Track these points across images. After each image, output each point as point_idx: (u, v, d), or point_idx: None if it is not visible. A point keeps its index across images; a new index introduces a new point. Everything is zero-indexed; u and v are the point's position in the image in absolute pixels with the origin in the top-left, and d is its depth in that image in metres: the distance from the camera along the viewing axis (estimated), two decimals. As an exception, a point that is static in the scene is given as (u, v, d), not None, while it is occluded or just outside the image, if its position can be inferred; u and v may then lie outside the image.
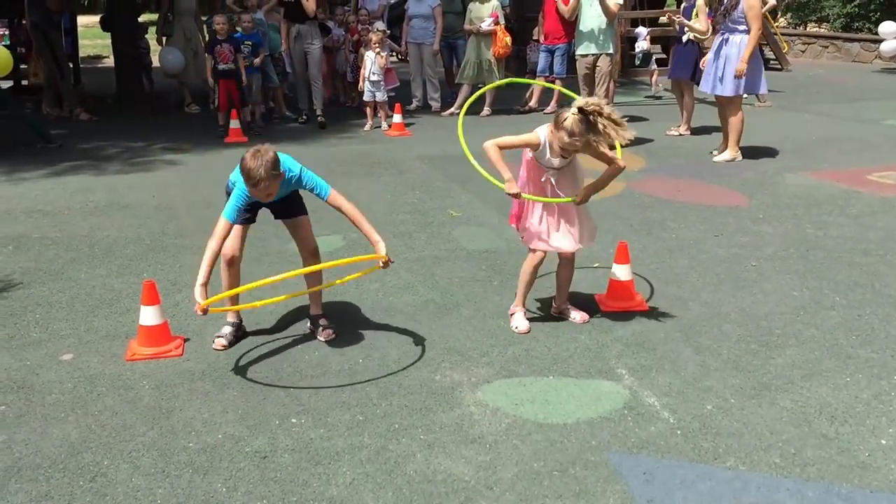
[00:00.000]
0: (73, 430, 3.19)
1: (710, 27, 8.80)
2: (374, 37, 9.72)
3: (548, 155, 3.89)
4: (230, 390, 3.51)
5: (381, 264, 3.66)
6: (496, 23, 10.18)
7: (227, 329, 3.99)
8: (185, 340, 3.98)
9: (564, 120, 3.72)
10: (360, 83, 9.93)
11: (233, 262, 3.94)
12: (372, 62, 9.69)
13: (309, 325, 4.09)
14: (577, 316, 4.18)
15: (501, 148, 3.89)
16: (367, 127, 9.87)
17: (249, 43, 9.57)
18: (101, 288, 4.72)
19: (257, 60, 9.65)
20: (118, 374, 3.66)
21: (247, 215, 3.84)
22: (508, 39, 10.17)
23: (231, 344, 3.93)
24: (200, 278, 3.53)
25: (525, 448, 3.04)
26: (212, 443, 3.10)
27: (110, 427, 3.21)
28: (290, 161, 3.74)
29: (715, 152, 8.00)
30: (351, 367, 3.72)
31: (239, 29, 9.69)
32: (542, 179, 3.98)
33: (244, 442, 3.10)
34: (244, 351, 3.89)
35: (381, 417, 3.27)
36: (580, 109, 3.68)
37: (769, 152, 8.11)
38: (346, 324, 4.16)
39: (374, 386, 3.53)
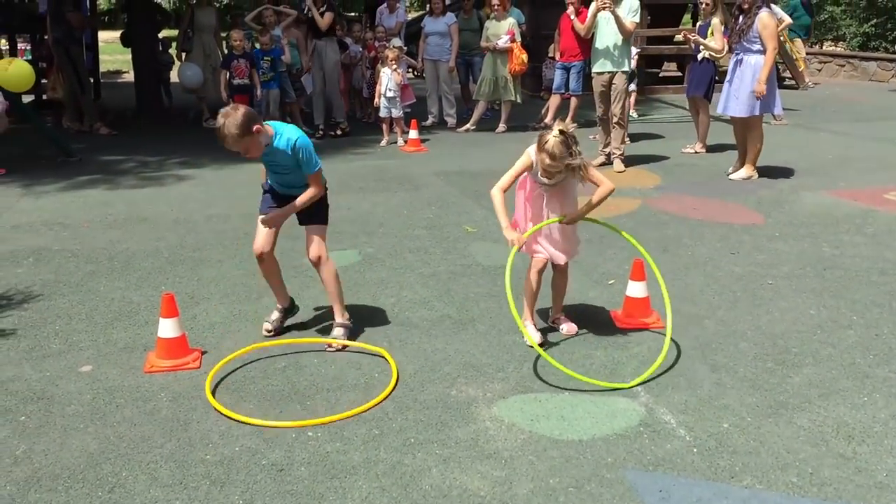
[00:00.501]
0: (92, 441, 3.22)
1: (726, 45, 8.81)
2: (390, 53, 9.81)
3: (538, 173, 3.91)
4: (247, 403, 3.53)
5: None
6: (512, 40, 10.24)
7: (276, 315, 4.22)
8: (203, 353, 4.01)
9: (546, 142, 3.72)
10: (376, 99, 10.01)
11: (262, 259, 4.11)
12: (388, 78, 9.76)
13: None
14: (564, 327, 4.25)
15: (504, 188, 3.96)
16: (383, 142, 9.93)
17: (269, 59, 9.65)
18: (120, 300, 4.76)
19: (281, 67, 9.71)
20: (136, 386, 3.69)
21: (273, 204, 4.10)
22: (524, 57, 10.23)
23: (277, 330, 4.17)
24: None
25: (541, 464, 3.04)
26: (229, 455, 3.12)
27: (129, 438, 3.24)
28: (291, 129, 3.90)
29: (731, 170, 7.99)
30: (367, 381, 3.73)
31: (257, 46, 9.79)
32: (536, 193, 4.01)
33: (261, 454, 3.12)
34: (261, 364, 3.92)
35: (396, 432, 3.28)
36: (561, 132, 3.70)
37: (785, 170, 8.10)
38: (362, 338, 4.18)
39: (389, 400, 3.54)
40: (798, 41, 15.09)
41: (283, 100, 10.36)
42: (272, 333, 4.19)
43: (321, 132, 10.40)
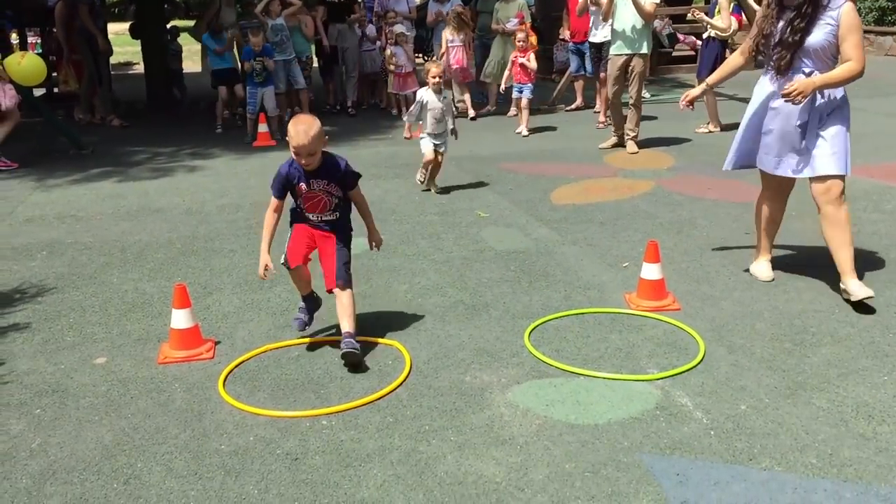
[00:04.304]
0: (107, 432, 3.23)
1: (734, 23, 8.68)
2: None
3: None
4: (261, 392, 3.52)
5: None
6: (522, 22, 10.15)
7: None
8: (216, 343, 4.01)
9: None
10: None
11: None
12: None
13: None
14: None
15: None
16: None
17: (261, 59, 9.47)
18: (133, 292, 4.77)
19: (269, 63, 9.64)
20: (150, 378, 3.69)
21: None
22: (534, 39, 10.15)
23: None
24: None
25: (556, 449, 3.02)
26: (243, 445, 3.11)
27: (143, 430, 3.24)
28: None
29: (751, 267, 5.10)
30: (381, 368, 3.72)
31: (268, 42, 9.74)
32: None
33: (275, 444, 3.11)
34: (274, 353, 3.91)
35: (410, 419, 3.27)
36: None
37: (801, 148, 7.99)
38: (375, 325, 4.16)
39: (403, 387, 3.52)
40: None
41: (291, 87, 10.31)
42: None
43: (351, 109, 11.01)
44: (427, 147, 6.70)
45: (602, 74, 9.51)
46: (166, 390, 3.57)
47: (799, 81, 4.06)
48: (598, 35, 9.27)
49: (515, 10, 10.24)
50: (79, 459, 3.04)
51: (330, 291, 3.86)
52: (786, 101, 4.10)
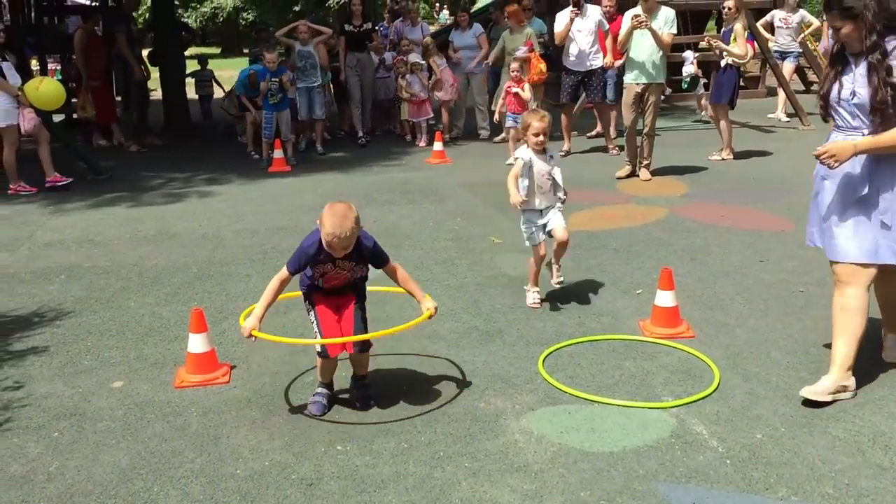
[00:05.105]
0: (124, 456, 3.25)
1: (750, 51, 8.71)
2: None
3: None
4: (276, 417, 3.54)
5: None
6: (530, 50, 10.20)
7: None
8: (232, 368, 4.03)
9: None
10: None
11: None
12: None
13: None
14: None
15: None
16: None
17: (276, 79, 9.59)
18: (150, 316, 4.81)
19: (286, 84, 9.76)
20: (167, 401, 3.72)
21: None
22: (543, 66, 10.06)
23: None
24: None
25: (571, 477, 3.02)
26: (259, 470, 3.13)
27: (160, 454, 3.26)
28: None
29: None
30: (395, 394, 3.73)
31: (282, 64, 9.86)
32: None
33: (290, 469, 3.13)
34: (290, 378, 3.93)
35: (425, 445, 3.28)
36: None
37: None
38: (389, 351, 4.18)
39: (418, 413, 3.53)
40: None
41: (311, 117, 10.34)
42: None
43: (363, 139, 10.86)
44: (532, 236, 4.77)
45: (594, 103, 9.70)
46: (182, 414, 3.59)
47: (835, 143, 3.48)
48: (594, 62, 9.44)
49: (524, 39, 10.30)
50: (96, 483, 3.06)
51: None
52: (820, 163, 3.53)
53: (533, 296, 4.81)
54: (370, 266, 3.64)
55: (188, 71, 13.70)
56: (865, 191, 3.48)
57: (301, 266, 3.50)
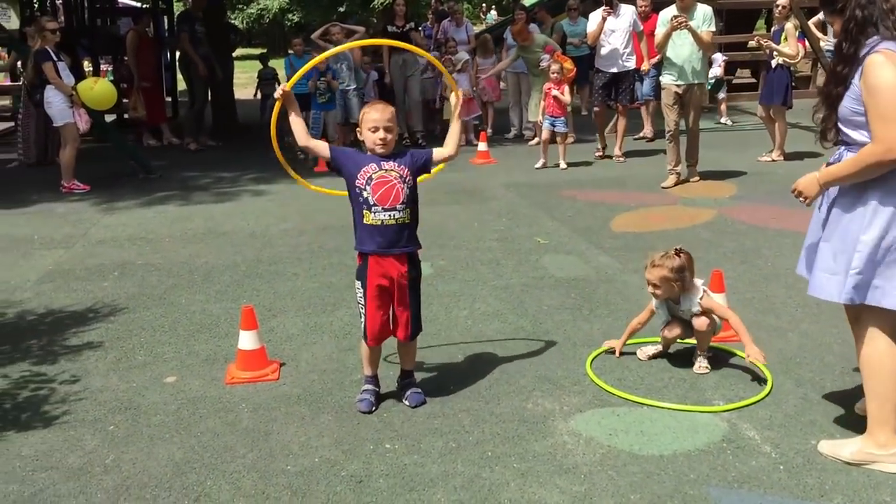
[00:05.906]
0: (178, 450, 3.31)
1: (801, 50, 8.56)
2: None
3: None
4: (325, 414, 3.57)
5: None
6: (553, 53, 10.11)
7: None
8: (281, 365, 4.08)
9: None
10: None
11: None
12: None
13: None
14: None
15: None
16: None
17: (325, 79, 9.68)
18: (201, 313, 4.89)
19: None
20: (218, 397, 3.77)
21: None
22: (569, 63, 9.91)
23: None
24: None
25: (621, 479, 3.00)
26: (309, 466, 3.16)
27: (212, 448, 3.31)
28: None
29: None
30: (443, 393, 3.74)
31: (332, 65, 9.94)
32: None
33: (340, 466, 3.15)
34: (337, 376, 3.96)
35: (473, 445, 3.28)
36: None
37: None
38: (436, 351, 4.20)
39: (466, 413, 3.54)
40: None
41: (348, 121, 10.39)
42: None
43: (407, 140, 10.81)
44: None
45: (620, 106, 9.53)
46: (234, 410, 3.64)
47: (802, 178, 3.21)
48: (627, 63, 9.33)
49: (542, 47, 10.24)
50: (151, 476, 3.12)
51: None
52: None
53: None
54: (422, 167, 3.81)
55: (257, 72, 14.08)
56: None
57: (340, 156, 3.63)
